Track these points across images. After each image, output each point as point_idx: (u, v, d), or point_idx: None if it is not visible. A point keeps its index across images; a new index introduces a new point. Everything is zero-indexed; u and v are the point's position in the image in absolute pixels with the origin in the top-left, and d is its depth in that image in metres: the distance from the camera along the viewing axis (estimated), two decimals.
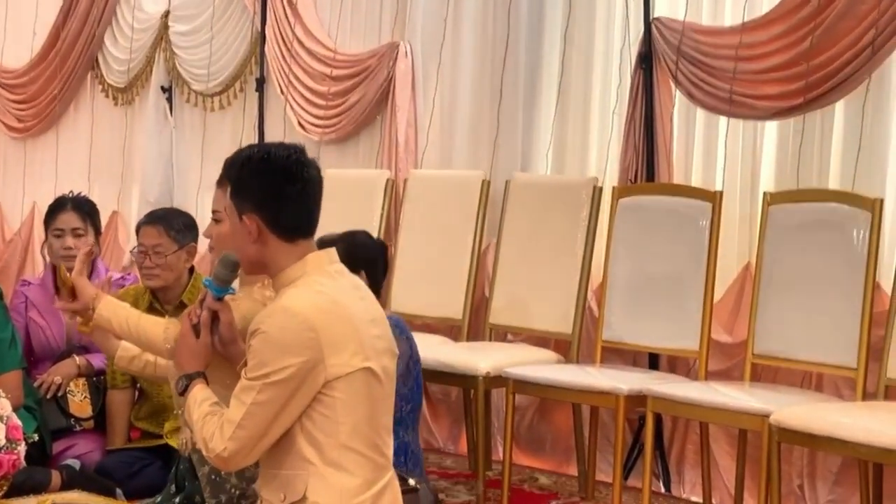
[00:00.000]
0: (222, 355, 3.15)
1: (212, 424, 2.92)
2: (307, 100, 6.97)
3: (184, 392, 3.05)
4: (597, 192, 5.56)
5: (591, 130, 5.98)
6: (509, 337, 5.92)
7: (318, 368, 2.85)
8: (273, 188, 2.97)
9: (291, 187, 2.97)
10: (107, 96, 8.24)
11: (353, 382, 2.89)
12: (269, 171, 2.98)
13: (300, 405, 2.86)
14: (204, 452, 2.96)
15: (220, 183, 3.32)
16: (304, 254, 3.00)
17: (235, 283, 3.37)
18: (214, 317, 3.10)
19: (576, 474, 5.57)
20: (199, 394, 3.02)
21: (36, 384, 5.19)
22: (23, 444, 4.07)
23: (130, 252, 5.24)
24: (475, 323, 5.93)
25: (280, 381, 2.83)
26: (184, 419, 3.15)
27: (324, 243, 4.60)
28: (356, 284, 3.10)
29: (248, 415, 2.84)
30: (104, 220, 7.16)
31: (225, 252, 3.17)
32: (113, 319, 3.65)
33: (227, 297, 3.17)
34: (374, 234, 6.10)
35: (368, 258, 4.85)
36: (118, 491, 4.76)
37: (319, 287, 2.95)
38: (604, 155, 5.85)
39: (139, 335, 3.62)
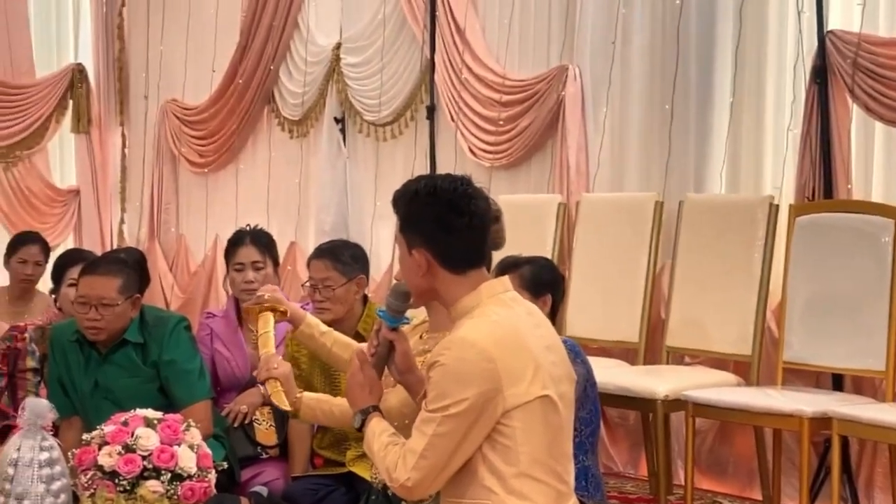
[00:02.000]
0: (399, 383, 3.18)
1: (393, 454, 2.96)
2: (478, 126, 7.03)
3: (361, 427, 3.10)
4: (773, 211, 5.49)
5: (765, 148, 5.91)
6: (686, 360, 5.87)
7: (496, 399, 2.86)
8: (441, 221, 2.98)
9: (459, 220, 2.98)
10: (283, 129, 8.43)
11: (531, 411, 2.90)
12: (436, 204, 2.99)
13: (480, 435, 2.88)
14: (387, 482, 3.00)
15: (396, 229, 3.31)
16: (476, 283, 3.01)
17: (410, 312, 3.42)
18: (391, 347, 3.13)
19: (760, 498, 5.49)
20: (377, 426, 3.06)
21: (223, 413, 5.32)
22: (213, 472, 4.17)
23: (302, 286, 5.34)
24: (651, 346, 5.89)
25: (460, 412, 2.85)
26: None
27: (508, 266, 4.69)
28: (530, 311, 3.10)
29: (430, 446, 2.87)
30: (283, 250, 7.35)
31: (396, 283, 3.21)
32: (317, 411, 3.67)
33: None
34: (549, 258, 6.13)
35: (554, 282, 4.88)
36: None
37: (495, 317, 2.95)
38: (779, 172, 5.78)
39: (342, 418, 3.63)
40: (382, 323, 3.13)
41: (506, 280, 3.10)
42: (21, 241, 7.04)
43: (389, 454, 2.97)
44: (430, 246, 2.99)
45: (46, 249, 7.05)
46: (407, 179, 3.18)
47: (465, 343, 2.89)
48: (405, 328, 3.25)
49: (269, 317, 4.00)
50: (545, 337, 3.04)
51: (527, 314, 3.06)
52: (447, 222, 2.98)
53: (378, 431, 3.05)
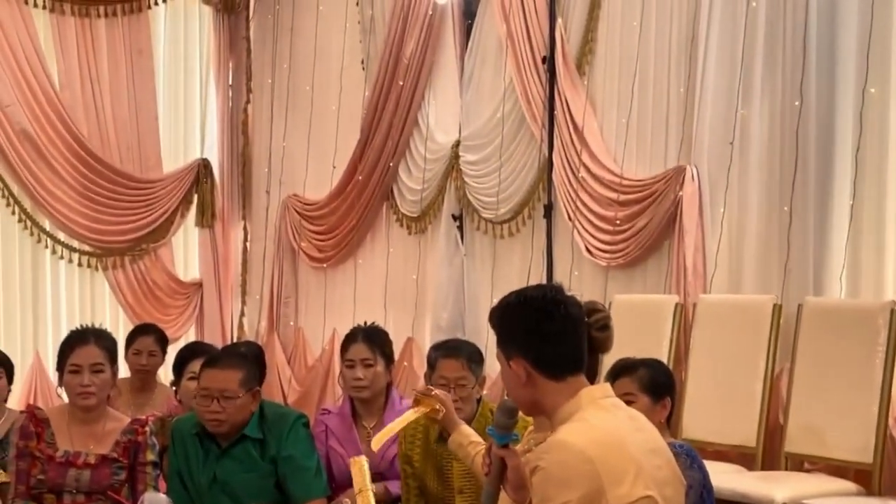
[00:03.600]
0: (514, 501, 3.19)
1: None
2: (594, 225, 7.04)
3: None
4: (894, 316, 5.40)
5: (887, 251, 5.83)
6: (806, 466, 5.77)
7: (599, 500, 2.85)
8: (532, 330, 3.02)
9: (550, 325, 3.01)
10: (401, 226, 8.53)
11: None
12: (527, 313, 3.03)
13: None
14: None
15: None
16: (576, 390, 3.03)
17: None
18: (503, 464, 3.15)
19: None
20: None
21: None
22: None
23: (430, 386, 5.36)
24: (769, 451, 5.81)
25: None
26: None
27: (623, 368, 4.68)
28: (633, 416, 3.10)
29: None
30: (399, 346, 7.40)
31: (504, 400, 3.23)
32: None
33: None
34: (664, 359, 6.09)
35: (672, 384, 4.86)
36: None
37: (594, 420, 2.97)
38: None
39: None
40: (492, 441, 3.14)
41: (606, 386, 3.12)
42: (136, 332, 7.22)
43: None
44: (525, 354, 3.02)
45: (162, 340, 7.19)
46: (520, 282, 3.22)
47: (564, 445, 2.90)
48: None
49: (364, 468, 4.03)
50: (648, 441, 3.04)
51: (628, 418, 3.06)
52: (539, 329, 3.01)
53: None
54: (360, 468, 4.01)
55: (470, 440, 3.94)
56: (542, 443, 3.38)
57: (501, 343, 3.09)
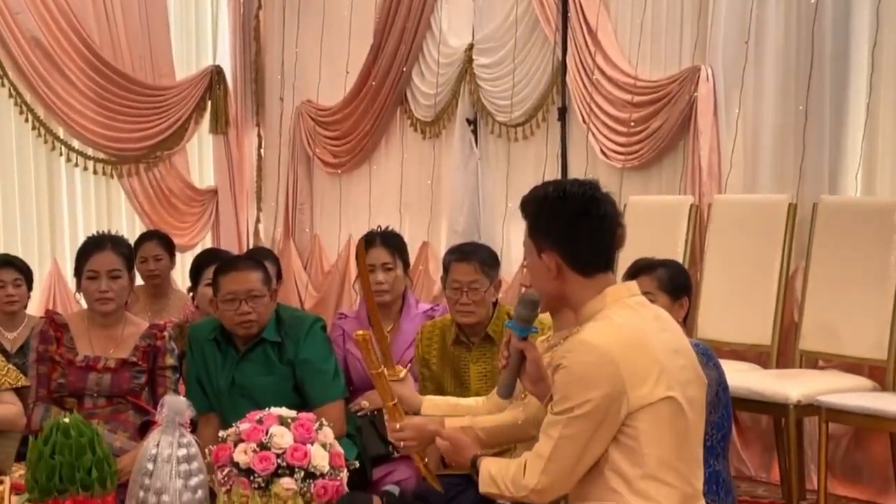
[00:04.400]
0: (532, 394, 3.22)
1: (515, 466, 3.01)
2: (609, 127, 7.02)
3: (476, 476, 3.16)
4: None
5: None
6: (820, 363, 5.80)
7: (620, 400, 2.88)
8: (571, 225, 3.02)
9: (588, 224, 3.02)
10: (415, 130, 8.51)
11: (656, 413, 2.91)
12: (567, 208, 3.03)
13: (607, 436, 2.90)
14: (513, 492, 3.02)
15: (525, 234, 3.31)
16: (602, 287, 3.04)
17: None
18: (521, 357, 3.17)
19: None
20: (487, 462, 3.13)
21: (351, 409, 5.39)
22: (345, 470, 4.25)
23: (445, 288, 5.38)
24: (784, 349, 5.84)
25: (584, 414, 2.88)
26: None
27: (642, 268, 4.70)
28: (658, 315, 3.11)
29: (557, 448, 2.91)
30: (414, 250, 7.43)
31: (525, 292, 3.24)
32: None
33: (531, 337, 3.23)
34: (679, 260, 6.10)
35: (690, 285, 4.88)
36: None
37: (620, 319, 2.98)
38: None
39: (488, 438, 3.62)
40: (512, 333, 3.16)
41: (633, 285, 3.11)
42: (139, 241, 7.22)
43: (511, 468, 3.02)
44: (559, 249, 3.02)
45: (166, 244, 7.18)
46: (535, 184, 3.20)
47: (588, 346, 2.91)
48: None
49: (371, 344, 3.99)
50: (672, 341, 3.04)
51: (653, 318, 3.07)
52: (577, 225, 3.01)
53: (488, 462, 3.13)
54: (367, 344, 3.96)
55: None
56: (561, 342, 3.41)
57: (535, 234, 3.07)
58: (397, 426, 3.56)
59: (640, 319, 3.01)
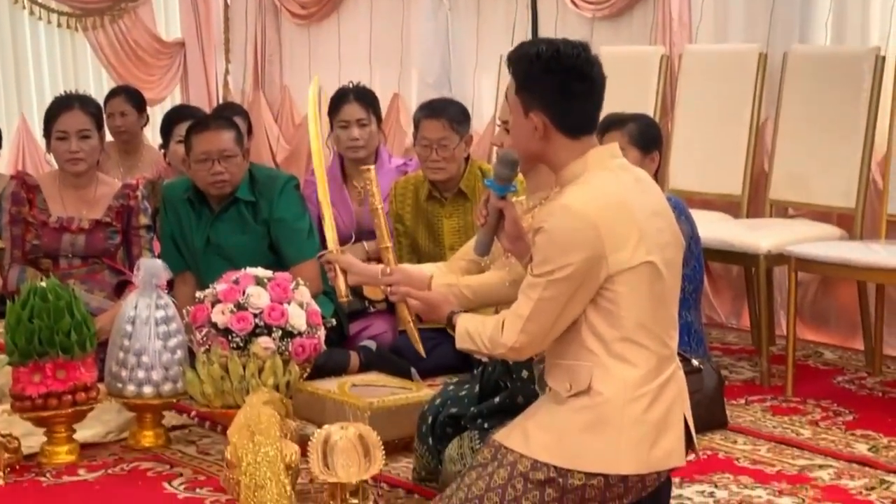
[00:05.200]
0: (510, 252, 3.24)
1: (492, 323, 3.04)
2: None
3: (453, 332, 3.20)
4: (879, 62, 5.38)
5: None
6: (790, 212, 5.85)
7: (600, 264, 2.91)
8: (563, 86, 2.99)
9: (580, 86, 3.00)
10: None
11: (635, 276, 2.94)
12: (560, 69, 2.99)
13: (584, 299, 2.94)
14: (490, 350, 3.07)
15: (510, 91, 3.23)
16: (585, 150, 3.03)
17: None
18: (500, 215, 3.18)
19: (862, 349, 5.51)
20: (465, 321, 3.15)
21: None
22: (322, 328, 4.31)
23: (414, 146, 5.39)
24: (755, 198, 5.87)
25: (563, 277, 2.91)
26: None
27: (612, 123, 4.71)
28: (638, 178, 3.12)
29: (536, 309, 2.95)
30: (385, 102, 7.39)
31: (504, 151, 3.24)
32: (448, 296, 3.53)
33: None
34: (650, 111, 6.11)
35: (660, 138, 4.89)
36: (413, 371, 4.95)
37: (600, 183, 2.99)
38: (887, 22, 5.65)
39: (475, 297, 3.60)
40: (490, 192, 3.17)
41: (614, 147, 3.11)
42: (108, 97, 7.17)
43: (488, 326, 3.05)
44: (549, 110, 3.00)
45: (133, 98, 7.12)
46: (505, 36, 3.15)
47: (569, 210, 2.93)
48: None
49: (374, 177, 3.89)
50: (652, 204, 3.06)
51: (634, 181, 3.07)
52: (569, 86, 2.99)
53: (464, 319, 3.15)
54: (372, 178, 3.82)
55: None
56: (540, 203, 3.43)
57: (524, 93, 3.04)
58: (388, 269, 3.58)
59: (620, 183, 3.02)
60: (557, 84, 2.99)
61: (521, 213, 3.40)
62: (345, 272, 3.74)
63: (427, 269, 3.70)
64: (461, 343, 3.16)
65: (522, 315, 2.97)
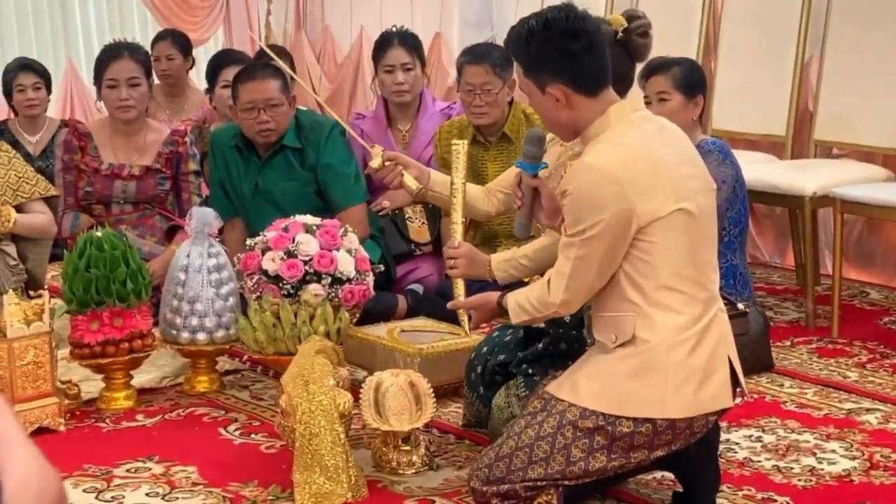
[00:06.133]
0: (550, 228, 3.29)
1: (536, 288, 3.13)
2: None
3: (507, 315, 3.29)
4: None
5: None
6: (835, 151, 5.85)
7: (630, 217, 2.95)
8: (565, 51, 3.03)
9: (578, 44, 3.03)
10: None
11: (668, 225, 2.98)
12: (555, 37, 3.04)
13: (620, 251, 2.99)
14: (542, 311, 3.14)
15: (519, 76, 3.20)
16: (606, 106, 3.07)
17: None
18: (535, 194, 3.24)
19: None
20: (512, 298, 3.23)
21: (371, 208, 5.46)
22: (371, 274, 4.37)
23: (458, 91, 5.41)
24: (799, 139, 5.87)
25: (595, 234, 2.96)
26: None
27: (655, 67, 4.73)
28: (662, 127, 3.14)
29: (575, 268, 3.01)
30: (427, 41, 7.41)
31: (530, 130, 3.27)
32: (510, 270, 3.62)
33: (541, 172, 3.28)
34: (693, 53, 6.10)
35: (704, 82, 4.90)
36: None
37: (621, 139, 3.02)
38: None
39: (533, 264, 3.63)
40: (522, 173, 3.21)
41: (636, 98, 3.15)
42: (154, 40, 7.28)
43: (534, 290, 3.13)
44: (561, 78, 3.05)
45: (179, 42, 7.21)
46: (518, 20, 3.18)
47: (591, 168, 2.97)
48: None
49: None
50: (678, 153, 3.09)
51: (657, 131, 3.10)
52: (570, 49, 3.03)
53: (510, 297, 3.24)
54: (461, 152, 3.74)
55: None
56: (572, 157, 3.47)
57: (532, 71, 3.09)
58: (456, 244, 3.63)
59: (643, 135, 3.05)
60: (558, 51, 3.04)
61: (564, 159, 3.44)
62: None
63: (470, 190, 3.74)
64: (516, 318, 3.23)
65: (564, 273, 3.03)
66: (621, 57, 3.38)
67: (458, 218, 3.68)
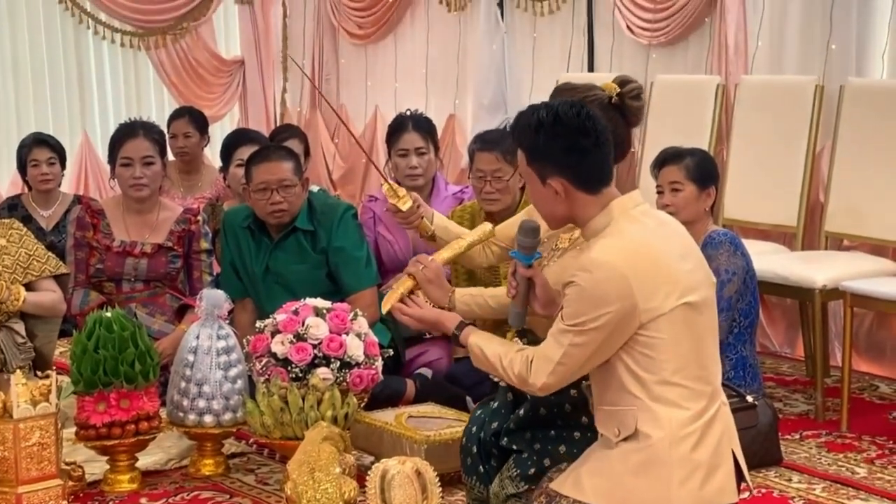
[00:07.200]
0: (544, 317, 3.28)
1: (520, 362, 3.10)
2: (635, 3, 6.96)
3: (458, 340, 3.32)
4: None
5: None
6: (845, 243, 5.85)
7: (633, 314, 2.95)
8: (572, 147, 3.05)
9: (587, 141, 3.05)
10: (441, 3, 8.41)
11: (670, 321, 2.98)
12: (565, 132, 3.05)
13: (615, 344, 2.99)
14: (516, 384, 3.15)
15: (521, 164, 3.20)
16: (607, 201, 3.08)
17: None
18: (530, 284, 3.23)
19: None
20: (478, 337, 3.25)
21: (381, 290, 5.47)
22: (380, 359, 4.37)
23: (469, 177, 5.44)
24: (810, 230, 5.88)
25: (596, 327, 2.95)
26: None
27: (669, 157, 4.79)
28: (662, 222, 3.16)
29: (567, 355, 3.00)
30: (441, 123, 7.46)
31: (524, 220, 3.27)
32: (472, 305, 3.66)
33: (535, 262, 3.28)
34: (706, 142, 6.13)
35: (717, 173, 4.92)
36: (468, 399, 5.00)
37: (627, 233, 3.04)
38: None
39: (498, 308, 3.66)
40: (517, 263, 3.21)
41: (636, 195, 3.15)
42: (171, 118, 7.38)
43: (515, 364, 3.11)
44: (564, 173, 3.06)
45: (197, 120, 7.30)
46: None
47: (598, 263, 2.97)
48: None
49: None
50: (678, 246, 3.10)
51: (658, 226, 3.12)
52: (578, 145, 3.04)
53: (484, 341, 3.23)
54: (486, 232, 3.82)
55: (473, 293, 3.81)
56: (564, 246, 3.46)
57: (535, 161, 3.10)
58: (430, 258, 3.63)
59: (645, 231, 3.07)
60: (565, 146, 3.05)
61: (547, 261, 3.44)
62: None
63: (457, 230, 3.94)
64: (477, 363, 3.24)
65: (552, 359, 3.03)
66: (617, 121, 3.39)
67: (448, 256, 3.75)
